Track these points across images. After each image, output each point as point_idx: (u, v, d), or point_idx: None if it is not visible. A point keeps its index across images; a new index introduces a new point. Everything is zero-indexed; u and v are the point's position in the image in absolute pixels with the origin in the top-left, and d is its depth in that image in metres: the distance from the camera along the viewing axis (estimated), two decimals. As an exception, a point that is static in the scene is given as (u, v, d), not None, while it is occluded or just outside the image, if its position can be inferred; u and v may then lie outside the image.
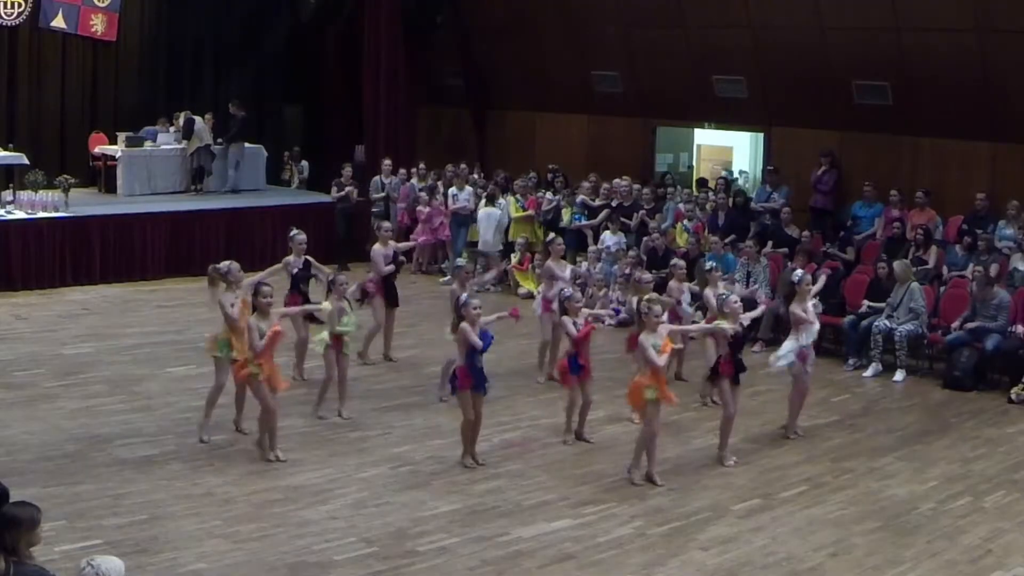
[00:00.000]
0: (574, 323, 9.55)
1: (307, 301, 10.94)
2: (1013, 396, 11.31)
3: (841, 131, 15.26)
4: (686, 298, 11.74)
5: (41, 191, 15.71)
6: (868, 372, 12.29)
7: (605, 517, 8.09)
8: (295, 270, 11.28)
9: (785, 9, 15.10)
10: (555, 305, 10.45)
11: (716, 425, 10.14)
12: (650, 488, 8.66)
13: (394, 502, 8.27)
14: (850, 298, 13.14)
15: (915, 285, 12.35)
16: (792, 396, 10.10)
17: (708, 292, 11.07)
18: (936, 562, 7.44)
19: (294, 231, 11.61)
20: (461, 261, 11.69)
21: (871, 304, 12.60)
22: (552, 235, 14.25)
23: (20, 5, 18.31)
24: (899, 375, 12.10)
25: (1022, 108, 13.29)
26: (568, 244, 16.23)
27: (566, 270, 12.11)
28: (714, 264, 11.79)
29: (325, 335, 10.05)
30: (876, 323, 12.30)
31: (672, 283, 11.81)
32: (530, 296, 15.69)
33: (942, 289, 12.77)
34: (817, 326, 10.01)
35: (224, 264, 9.76)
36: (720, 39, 16.04)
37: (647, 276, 11.29)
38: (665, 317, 9.99)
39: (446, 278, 16.58)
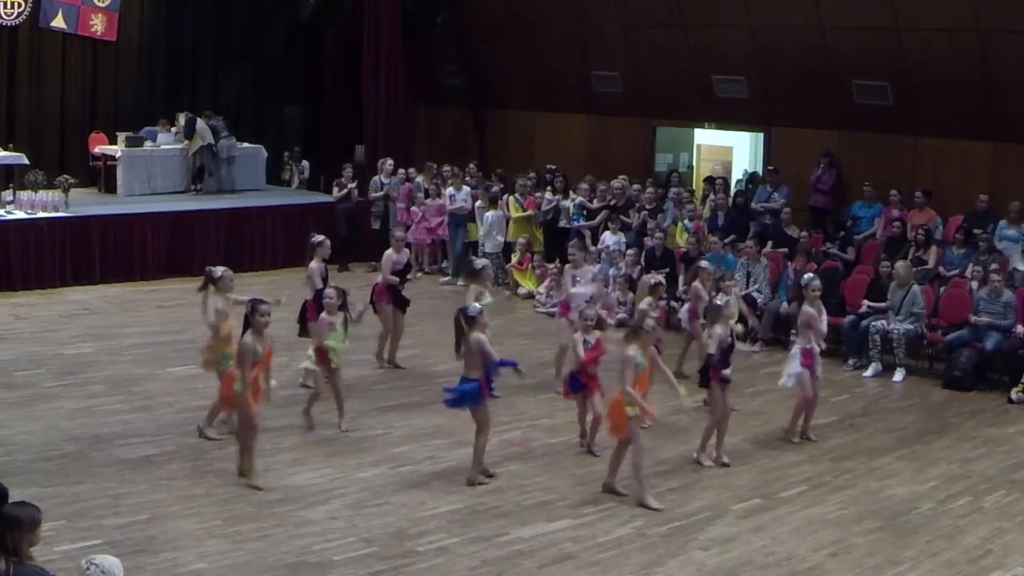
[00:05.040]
0: (584, 342, 9.30)
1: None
2: (1013, 396, 11.31)
3: (841, 131, 15.26)
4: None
5: (41, 191, 15.69)
6: (868, 372, 12.29)
7: (605, 517, 8.09)
8: (319, 279, 10.74)
9: (785, 9, 15.10)
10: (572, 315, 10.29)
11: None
12: (650, 488, 8.64)
13: (394, 502, 8.27)
14: (850, 298, 13.13)
15: (916, 288, 12.35)
16: (797, 401, 9.99)
17: (642, 306, 10.15)
18: (936, 562, 7.45)
19: (320, 237, 11.14)
20: (482, 262, 11.12)
21: (871, 304, 12.60)
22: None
23: (20, 5, 18.30)
24: (899, 375, 12.11)
25: (1022, 108, 13.30)
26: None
27: (588, 277, 11.50)
28: (661, 280, 10.94)
29: (311, 351, 9.89)
30: (875, 323, 12.30)
31: (696, 284, 11.34)
32: (530, 296, 15.71)
33: (942, 289, 12.77)
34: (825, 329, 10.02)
35: (218, 269, 9.69)
36: (720, 39, 16.05)
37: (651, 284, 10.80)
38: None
39: (446, 278, 16.61)
